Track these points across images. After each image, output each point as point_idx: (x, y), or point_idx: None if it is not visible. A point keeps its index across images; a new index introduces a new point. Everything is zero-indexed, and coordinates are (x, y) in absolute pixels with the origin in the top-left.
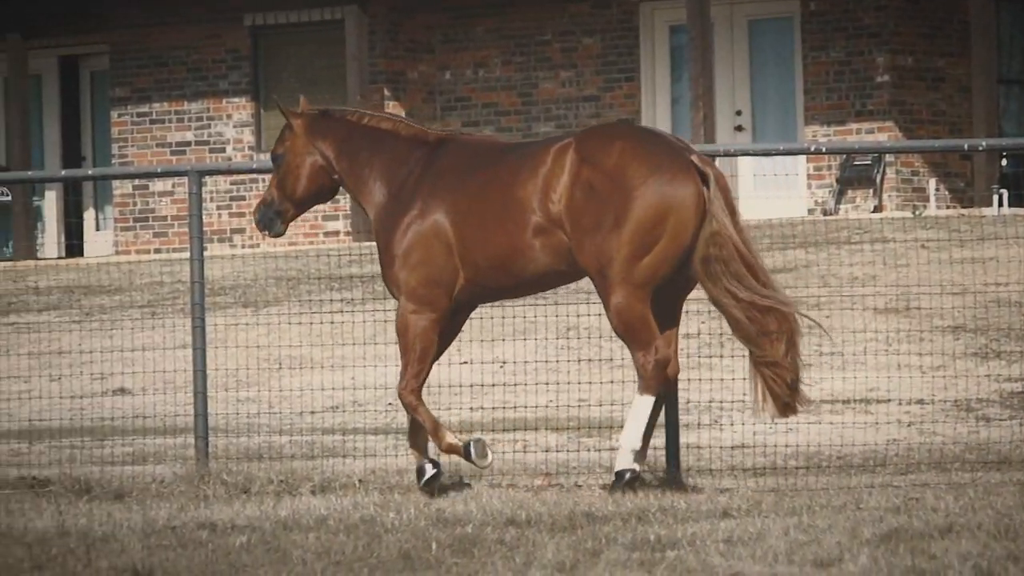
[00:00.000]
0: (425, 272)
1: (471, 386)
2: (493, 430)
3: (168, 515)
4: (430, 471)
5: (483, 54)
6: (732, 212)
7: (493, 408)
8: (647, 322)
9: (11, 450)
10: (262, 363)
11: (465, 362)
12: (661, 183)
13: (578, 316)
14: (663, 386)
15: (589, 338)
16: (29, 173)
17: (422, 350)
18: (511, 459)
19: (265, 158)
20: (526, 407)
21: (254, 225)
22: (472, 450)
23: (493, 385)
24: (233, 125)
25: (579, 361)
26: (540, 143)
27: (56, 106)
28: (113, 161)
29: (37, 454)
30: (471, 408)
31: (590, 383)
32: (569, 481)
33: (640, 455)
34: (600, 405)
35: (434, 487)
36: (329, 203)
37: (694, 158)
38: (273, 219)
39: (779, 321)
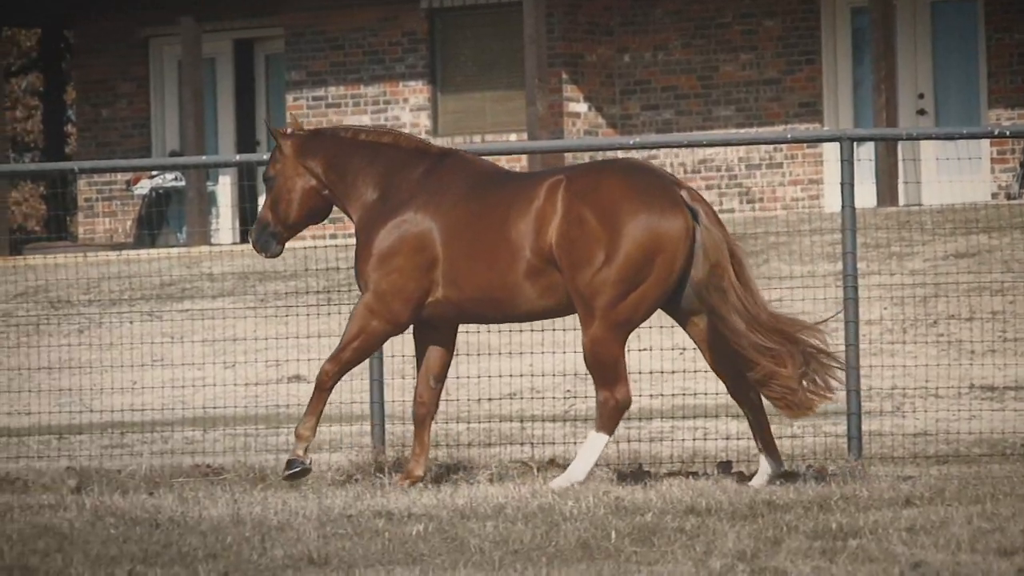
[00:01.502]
0: (398, 281)
1: (650, 373)
2: (672, 417)
3: (344, 503)
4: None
5: (662, 36)
6: (726, 244)
7: (672, 395)
8: (617, 362)
9: (185, 438)
10: None
11: (644, 349)
12: (650, 219)
13: None
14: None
15: None
16: (203, 158)
17: (362, 347)
18: (691, 447)
19: (441, 143)
20: (705, 394)
21: (251, 245)
22: (299, 462)
23: (672, 372)
24: (410, 109)
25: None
26: (534, 176)
27: (230, 90)
28: None
29: (211, 442)
30: (650, 395)
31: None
32: (749, 469)
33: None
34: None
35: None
36: None
37: (683, 193)
38: (268, 241)
39: (783, 340)
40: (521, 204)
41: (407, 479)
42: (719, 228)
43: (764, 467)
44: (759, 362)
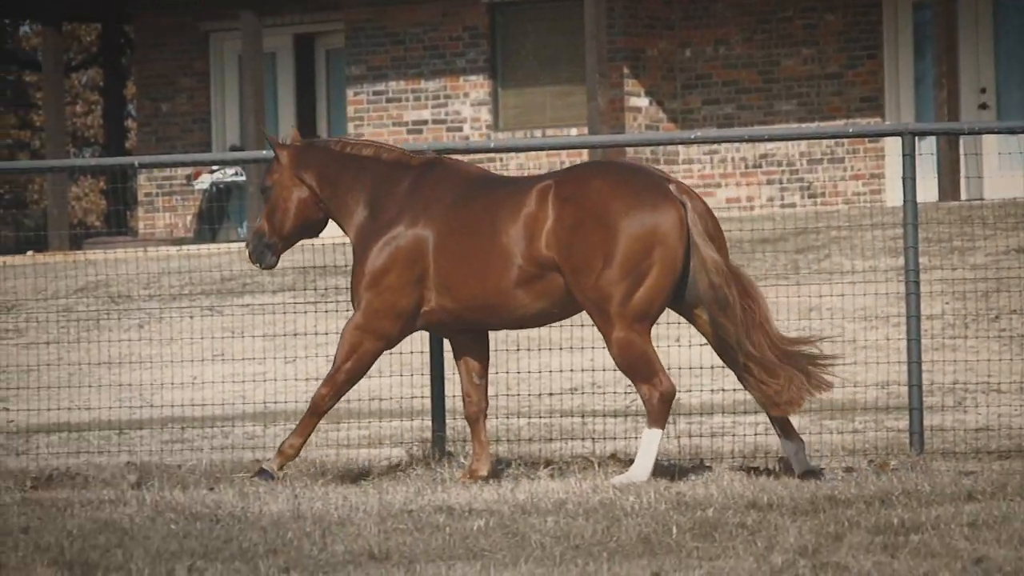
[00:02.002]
0: (390, 299)
1: (711, 368)
2: (734, 412)
3: (405, 498)
4: (268, 479)
5: (724, 31)
6: (713, 238)
7: (734, 390)
8: (648, 356)
9: (246, 433)
10: (499, 344)
11: (704, 344)
12: (643, 215)
13: (820, 297)
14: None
15: (831, 318)
16: (263, 152)
17: (355, 367)
18: (752, 442)
19: (502, 137)
20: None
21: (248, 256)
22: (270, 475)
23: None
24: (470, 104)
25: (821, 340)
26: (522, 182)
27: (291, 85)
28: None
29: (272, 437)
30: (711, 390)
31: (832, 364)
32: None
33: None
34: (843, 387)
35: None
36: None
37: (672, 187)
38: (264, 251)
39: (767, 341)
40: (511, 210)
41: (471, 477)
42: (706, 221)
43: (788, 451)
44: (750, 367)
